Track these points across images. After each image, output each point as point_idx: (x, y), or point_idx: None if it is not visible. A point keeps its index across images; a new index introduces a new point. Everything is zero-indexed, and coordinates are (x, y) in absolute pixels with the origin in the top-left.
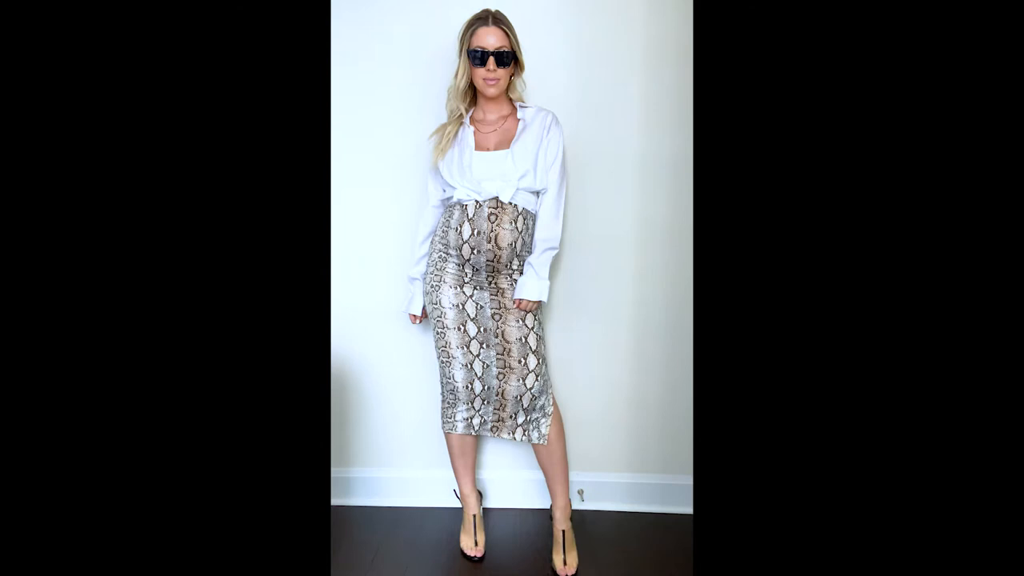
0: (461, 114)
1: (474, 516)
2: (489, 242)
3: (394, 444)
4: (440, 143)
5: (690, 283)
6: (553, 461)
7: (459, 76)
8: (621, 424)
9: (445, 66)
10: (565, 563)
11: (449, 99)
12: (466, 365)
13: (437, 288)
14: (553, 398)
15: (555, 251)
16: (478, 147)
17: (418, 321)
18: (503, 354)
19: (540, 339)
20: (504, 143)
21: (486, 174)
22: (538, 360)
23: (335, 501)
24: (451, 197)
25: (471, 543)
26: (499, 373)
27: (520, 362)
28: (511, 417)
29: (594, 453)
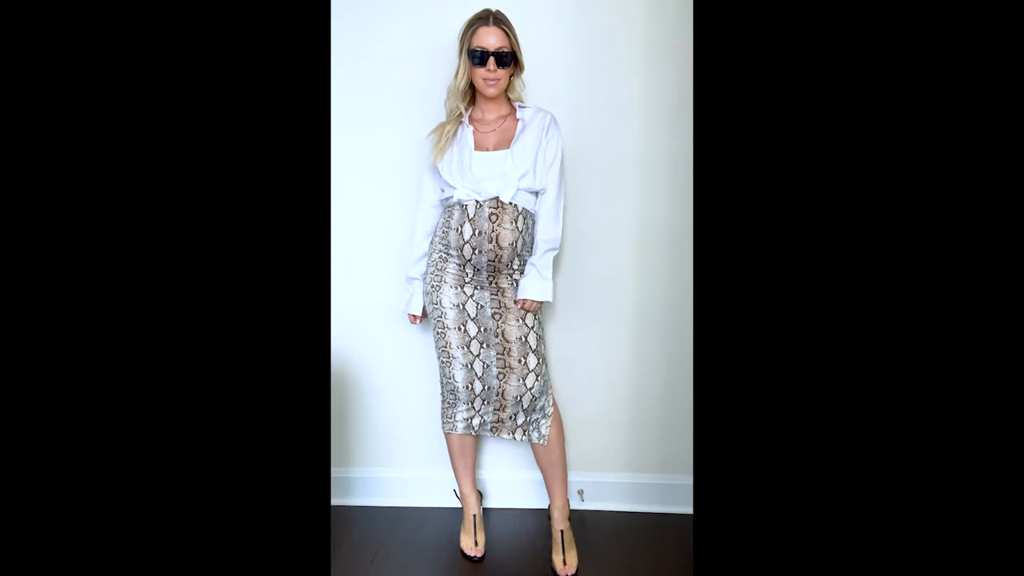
0: (460, 113)
1: (474, 516)
2: (490, 242)
3: (394, 444)
4: (439, 142)
5: (690, 283)
6: (552, 461)
7: (459, 76)
8: (621, 424)
9: (445, 66)
10: (565, 563)
11: (448, 98)
12: (466, 365)
13: (438, 288)
14: (553, 399)
15: (556, 251)
16: (477, 147)
17: (417, 321)
18: (503, 354)
19: (540, 339)
20: (503, 143)
21: (486, 174)
22: (538, 360)
23: (335, 501)
24: (450, 197)
25: (471, 543)
26: (499, 373)
27: (520, 361)
28: (511, 417)
29: (594, 453)
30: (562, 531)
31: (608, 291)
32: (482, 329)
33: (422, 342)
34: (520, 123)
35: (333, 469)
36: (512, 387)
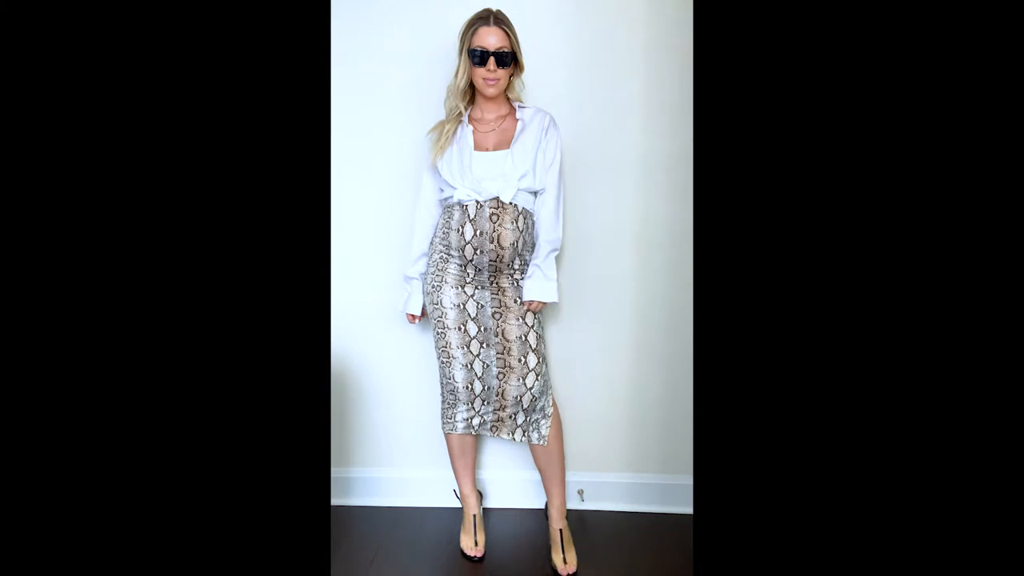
0: (460, 112)
1: (474, 516)
2: (492, 242)
3: (394, 444)
4: (439, 140)
5: (690, 283)
6: (551, 462)
7: (459, 75)
8: (621, 424)
9: (445, 66)
10: (565, 561)
11: (448, 97)
12: (466, 365)
13: (438, 288)
14: (553, 399)
15: (558, 251)
16: (477, 147)
17: (416, 321)
18: (503, 353)
19: (540, 338)
20: (503, 143)
21: (486, 174)
22: (538, 359)
23: (335, 501)
24: (450, 197)
25: (471, 543)
26: (499, 373)
27: (520, 361)
28: (510, 417)
29: (594, 453)
30: (560, 530)
31: (608, 291)
32: (482, 329)
33: (422, 342)
34: (520, 123)
35: (333, 469)
36: (512, 387)
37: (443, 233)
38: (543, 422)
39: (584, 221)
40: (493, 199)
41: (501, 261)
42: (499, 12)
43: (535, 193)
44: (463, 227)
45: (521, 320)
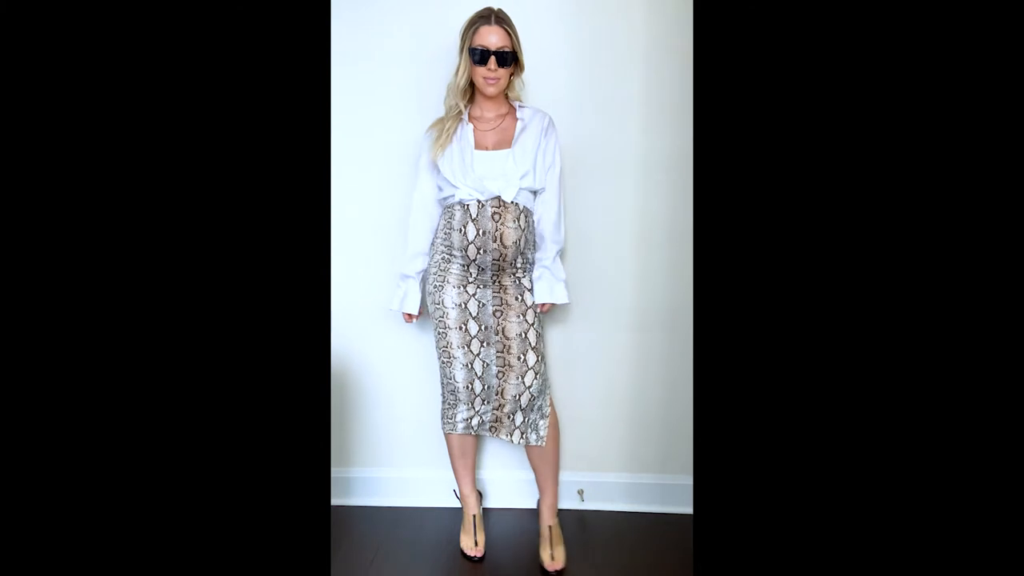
0: (460, 111)
1: (474, 516)
2: (495, 241)
3: (394, 444)
4: (439, 138)
5: (690, 283)
6: (546, 461)
7: (459, 74)
8: (621, 424)
9: (445, 66)
10: (553, 558)
11: (448, 95)
12: (467, 365)
13: (441, 288)
14: (551, 399)
15: (562, 251)
16: (477, 145)
17: (413, 320)
18: (503, 351)
19: (540, 336)
20: (503, 142)
21: (488, 173)
22: (537, 357)
23: (335, 501)
24: (450, 197)
25: (471, 543)
26: (499, 372)
27: (520, 359)
28: (508, 417)
29: (594, 453)
30: (551, 527)
31: (608, 291)
32: (483, 328)
33: (422, 342)
34: (520, 122)
35: (333, 469)
36: (511, 385)
37: (445, 233)
38: (541, 423)
39: (584, 221)
40: (495, 198)
41: (504, 260)
42: (500, 11)
43: (535, 192)
44: (465, 227)
45: (522, 318)
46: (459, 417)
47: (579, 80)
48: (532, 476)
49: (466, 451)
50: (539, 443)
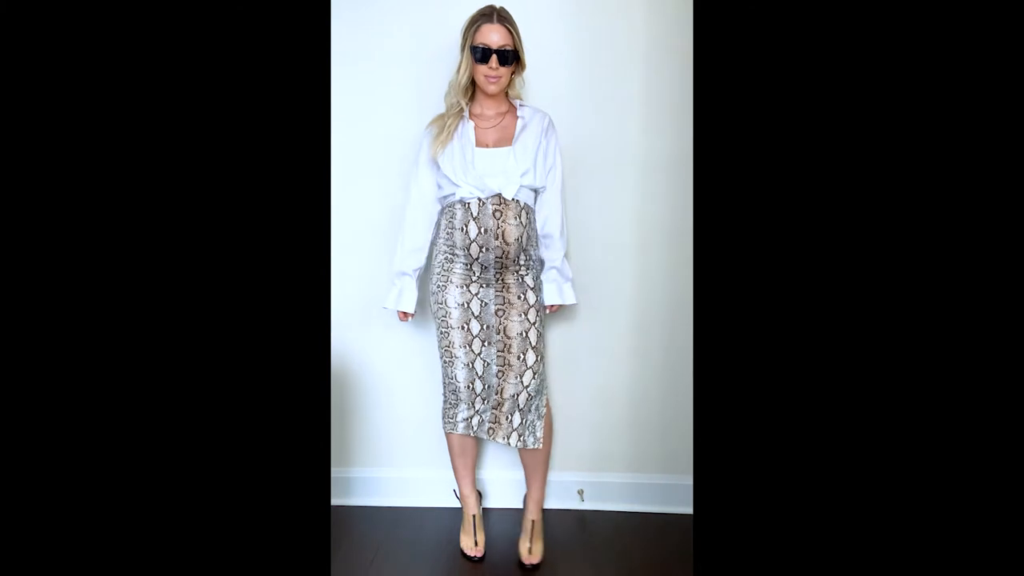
0: (462, 108)
1: (474, 516)
2: (497, 239)
3: (394, 444)
4: (440, 134)
5: (690, 283)
6: (537, 459)
7: (461, 72)
8: (621, 424)
9: (445, 66)
10: (531, 552)
11: (449, 93)
12: (468, 364)
13: (444, 288)
14: (547, 398)
15: (565, 251)
16: (478, 143)
17: (408, 319)
18: (504, 351)
19: (541, 336)
20: (504, 140)
21: (488, 170)
22: (536, 357)
23: (335, 501)
24: (451, 195)
25: (471, 543)
26: (499, 371)
27: (519, 358)
28: (507, 418)
29: (594, 453)
30: (533, 521)
31: (608, 290)
32: (484, 327)
33: (422, 342)
34: (520, 120)
35: (333, 469)
36: (510, 385)
37: (447, 233)
38: (538, 423)
39: (584, 221)
40: (495, 196)
41: (507, 257)
42: (502, 9)
43: (535, 191)
44: (467, 225)
45: (523, 317)
46: (460, 417)
47: (579, 80)
48: None
49: (466, 451)
50: (536, 445)
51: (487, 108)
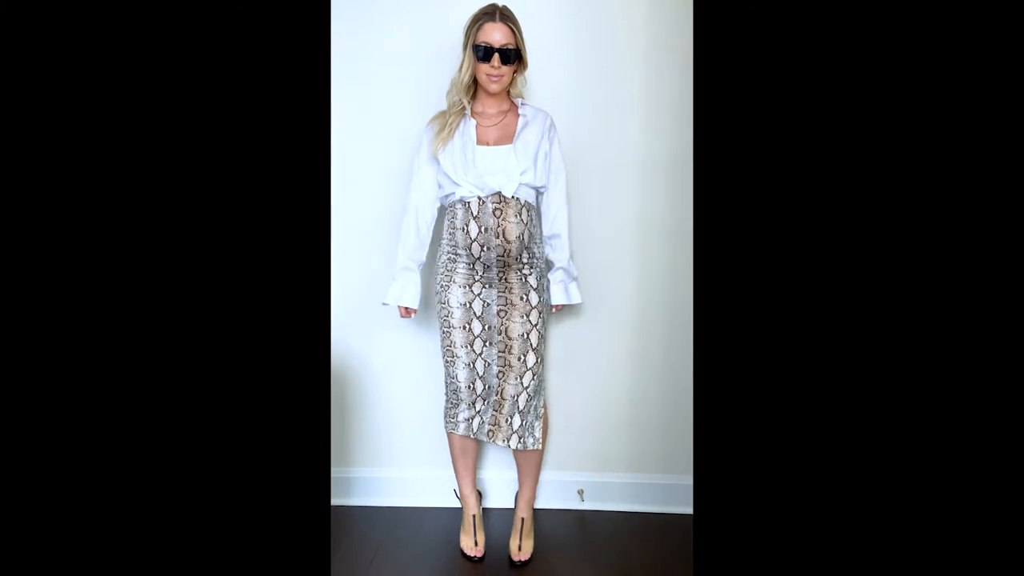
0: (464, 106)
1: (474, 516)
2: (498, 237)
3: (394, 444)
4: (441, 131)
5: (690, 283)
6: (531, 459)
7: (463, 70)
8: (621, 424)
9: (445, 66)
10: (520, 548)
11: (451, 91)
12: (469, 364)
13: (447, 288)
14: (544, 399)
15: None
16: (479, 141)
17: (410, 315)
18: (504, 351)
19: (542, 337)
20: (505, 138)
21: (488, 168)
22: (537, 358)
23: (335, 501)
24: (451, 195)
25: (471, 543)
26: (499, 371)
27: (520, 359)
28: (507, 420)
29: (594, 453)
30: (523, 518)
31: (608, 290)
32: (486, 327)
33: (422, 342)
34: (522, 119)
35: (333, 469)
36: (510, 385)
37: (449, 233)
38: (536, 424)
39: (584, 221)
40: (495, 194)
41: (509, 255)
42: (505, 8)
43: (535, 189)
44: (468, 225)
45: (525, 318)
46: (461, 417)
47: (579, 80)
48: None
49: (467, 451)
50: (535, 447)
51: (489, 106)
